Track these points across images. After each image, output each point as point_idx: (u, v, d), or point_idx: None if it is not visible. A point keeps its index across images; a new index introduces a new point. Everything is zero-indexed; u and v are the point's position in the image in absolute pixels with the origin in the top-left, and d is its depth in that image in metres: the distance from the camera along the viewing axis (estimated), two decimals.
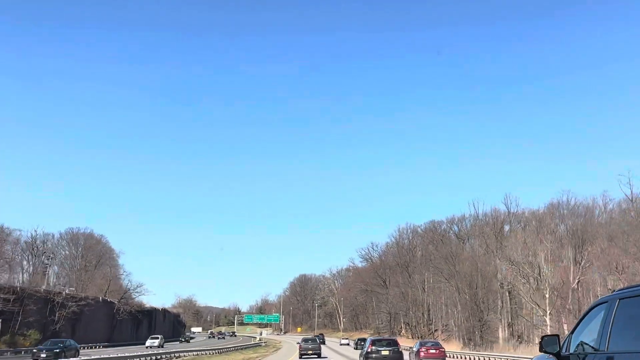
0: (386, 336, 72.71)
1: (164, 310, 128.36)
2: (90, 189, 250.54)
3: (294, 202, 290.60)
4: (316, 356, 55.49)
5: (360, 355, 37.78)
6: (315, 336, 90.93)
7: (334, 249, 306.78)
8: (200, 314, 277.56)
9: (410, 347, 57.51)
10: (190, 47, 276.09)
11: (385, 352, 33.95)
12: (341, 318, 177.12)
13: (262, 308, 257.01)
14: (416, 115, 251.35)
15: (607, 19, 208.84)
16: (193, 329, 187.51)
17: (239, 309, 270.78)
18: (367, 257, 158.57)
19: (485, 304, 74.65)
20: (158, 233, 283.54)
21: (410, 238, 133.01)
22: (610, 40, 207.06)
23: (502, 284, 75.76)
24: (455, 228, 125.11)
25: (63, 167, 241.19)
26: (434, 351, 45.77)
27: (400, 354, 35.29)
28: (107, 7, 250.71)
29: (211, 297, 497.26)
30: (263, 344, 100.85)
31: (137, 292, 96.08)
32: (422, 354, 44.59)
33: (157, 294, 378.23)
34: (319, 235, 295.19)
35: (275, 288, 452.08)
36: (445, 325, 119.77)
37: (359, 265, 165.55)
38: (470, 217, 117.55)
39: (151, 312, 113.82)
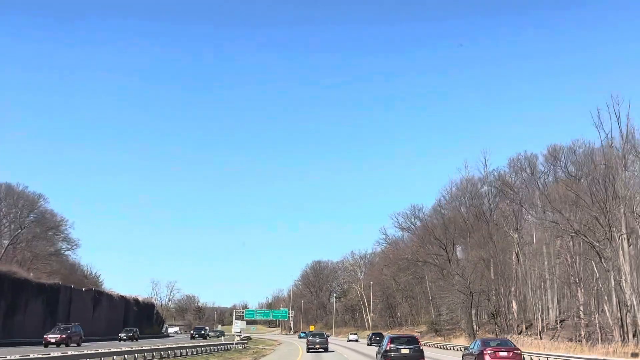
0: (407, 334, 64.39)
1: (97, 293, 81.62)
2: (96, 190, 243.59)
3: (309, 194, 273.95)
4: (323, 350, 54.92)
5: (378, 353, 34.62)
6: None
7: (355, 238, 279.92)
8: (202, 312, 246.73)
9: (464, 348, 43.39)
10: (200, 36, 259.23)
11: (405, 351, 31.34)
12: (370, 310, 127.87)
13: (273, 305, 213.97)
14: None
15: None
16: (170, 329, 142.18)
17: (246, 306, 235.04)
18: (407, 225, 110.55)
19: None
20: (172, 232, 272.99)
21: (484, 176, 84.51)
22: None
23: None
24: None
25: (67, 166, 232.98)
26: (505, 354, 32.47)
27: (421, 352, 32.08)
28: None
29: (222, 296, 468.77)
30: (240, 347, 53.97)
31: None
32: (487, 357, 32.20)
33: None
34: (338, 226, 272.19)
35: (288, 283, 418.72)
36: (546, 321, 72.08)
37: (395, 236, 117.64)
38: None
39: (55, 290, 67.14)
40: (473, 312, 76.84)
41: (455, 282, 66.88)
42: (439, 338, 79.47)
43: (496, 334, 70.34)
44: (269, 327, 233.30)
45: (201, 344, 47.68)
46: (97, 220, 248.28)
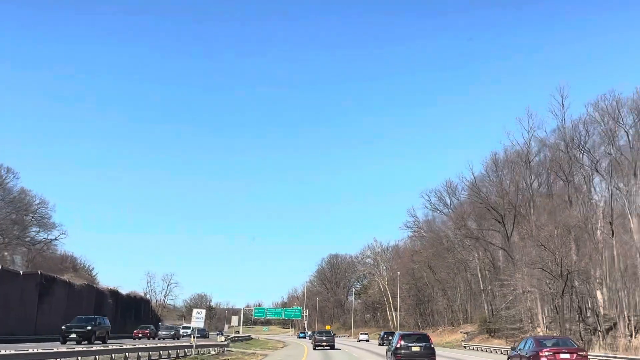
0: (418, 331, 64.47)
1: (46, 279, 62.76)
2: (99, 187, 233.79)
3: (313, 190, 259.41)
4: (329, 348, 56.35)
5: (388, 351, 33.14)
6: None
7: (378, 229, 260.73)
8: (214, 312, 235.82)
9: (511, 349, 32.45)
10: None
11: (415, 348, 30.34)
12: (396, 307, 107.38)
13: (288, 304, 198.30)
14: None
15: None
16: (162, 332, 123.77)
17: (260, 305, 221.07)
18: (439, 205, 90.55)
19: None
20: (177, 231, 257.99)
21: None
22: None
23: None
24: None
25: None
26: (567, 356, 25.54)
27: (432, 350, 30.56)
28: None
29: (236, 297, 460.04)
30: (213, 353, 34.60)
31: None
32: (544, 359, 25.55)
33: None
34: (349, 222, 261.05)
35: (304, 281, 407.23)
36: None
37: (428, 217, 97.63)
38: None
39: None
40: (563, 302, 55.63)
41: (536, 259, 46.19)
42: (496, 340, 59.63)
43: (580, 336, 50.37)
44: (284, 327, 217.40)
45: (101, 348, 26.99)
46: (101, 218, 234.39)
